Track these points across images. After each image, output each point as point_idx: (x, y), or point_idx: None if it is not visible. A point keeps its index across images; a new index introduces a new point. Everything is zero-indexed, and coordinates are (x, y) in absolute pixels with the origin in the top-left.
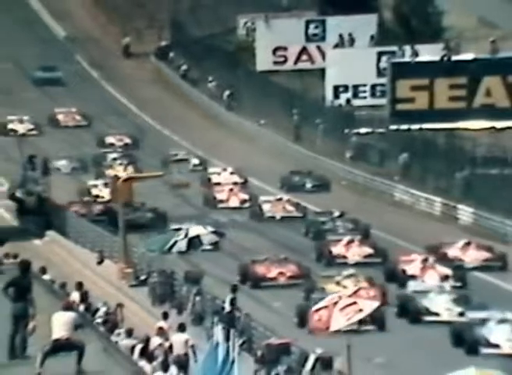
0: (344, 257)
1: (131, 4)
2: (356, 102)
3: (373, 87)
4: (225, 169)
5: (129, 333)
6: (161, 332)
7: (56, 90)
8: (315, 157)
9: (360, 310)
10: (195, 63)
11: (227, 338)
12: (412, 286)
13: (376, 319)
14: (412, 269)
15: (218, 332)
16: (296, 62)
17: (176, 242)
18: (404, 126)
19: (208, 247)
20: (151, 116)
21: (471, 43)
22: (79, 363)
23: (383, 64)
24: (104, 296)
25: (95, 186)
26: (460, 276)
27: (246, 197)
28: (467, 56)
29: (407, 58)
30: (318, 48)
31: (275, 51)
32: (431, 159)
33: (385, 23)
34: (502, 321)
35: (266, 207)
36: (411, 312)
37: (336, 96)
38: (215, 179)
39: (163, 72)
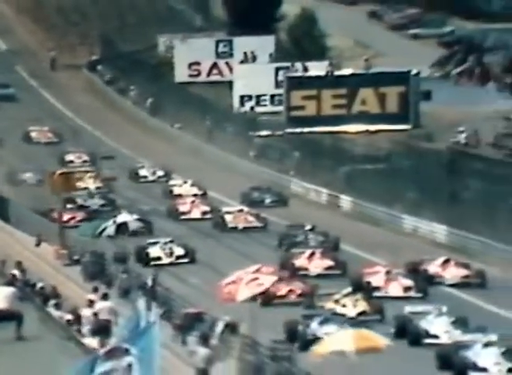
0: (306, 269)
1: (66, 22)
2: (258, 109)
3: (272, 96)
4: (185, 182)
5: (58, 306)
6: (90, 304)
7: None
8: (225, 156)
9: (262, 284)
10: (123, 75)
11: (149, 308)
12: (409, 307)
13: None
14: (376, 280)
15: (141, 303)
16: (208, 75)
17: (105, 228)
18: (298, 130)
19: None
20: (83, 120)
21: (349, 60)
22: (18, 330)
23: (280, 77)
24: (42, 273)
25: (79, 196)
26: (422, 287)
27: (207, 209)
28: (347, 71)
29: (299, 73)
30: (227, 63)
31: (190, 65)
32: (319, 157)
33: (282, 43)
34: (488, 344)
35: (228, 218)
36: (410, 333)
37: (242, 104)
38: (176, 191)
39: (94, 82)
